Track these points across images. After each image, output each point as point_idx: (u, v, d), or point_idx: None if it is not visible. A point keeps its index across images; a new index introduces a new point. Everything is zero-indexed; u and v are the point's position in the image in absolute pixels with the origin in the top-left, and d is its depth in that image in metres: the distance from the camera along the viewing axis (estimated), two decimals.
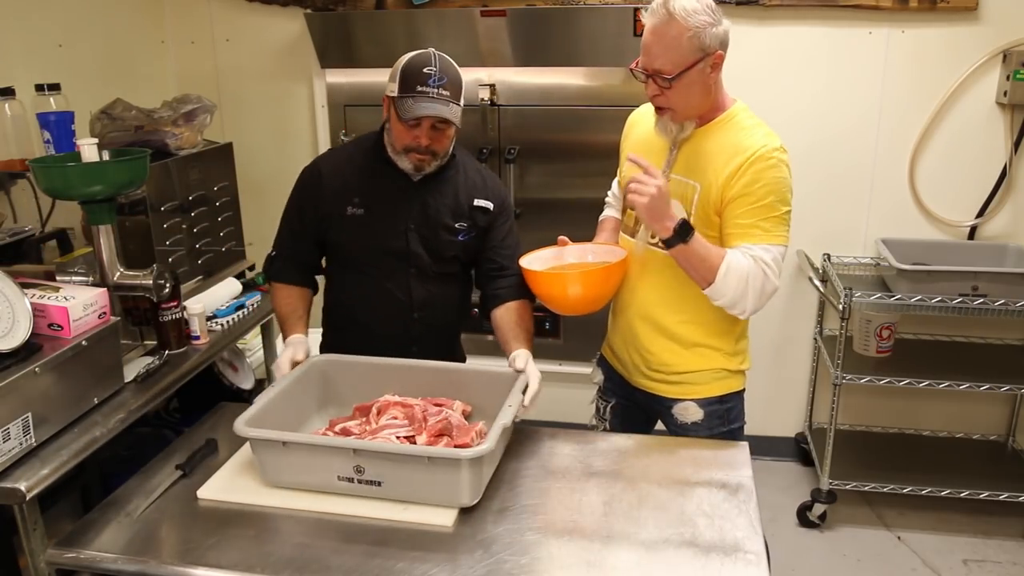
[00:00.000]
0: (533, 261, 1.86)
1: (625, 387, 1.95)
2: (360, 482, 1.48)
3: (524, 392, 1.68)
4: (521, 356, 1.78)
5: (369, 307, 1.93)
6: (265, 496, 1.52)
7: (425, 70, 1.73)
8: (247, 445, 1.62)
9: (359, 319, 1.95)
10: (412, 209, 1.87)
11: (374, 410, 1.69)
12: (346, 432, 1.63)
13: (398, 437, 1.58)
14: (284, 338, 1.91)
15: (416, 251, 1.88)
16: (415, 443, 1.57)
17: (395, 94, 1.75)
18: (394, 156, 1.84)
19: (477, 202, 1.91)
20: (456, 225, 1.89)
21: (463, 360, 2.12)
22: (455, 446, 1.54)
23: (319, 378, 1.80)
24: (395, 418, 1.65)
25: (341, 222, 1.87)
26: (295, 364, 1.79)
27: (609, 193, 2.07)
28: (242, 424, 1.51)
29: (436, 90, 1.73)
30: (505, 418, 1.54)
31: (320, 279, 2.04)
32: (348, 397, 1.77)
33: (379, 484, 1.47)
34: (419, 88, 1.72)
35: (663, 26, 1.59)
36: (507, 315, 1.89)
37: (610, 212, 2.04)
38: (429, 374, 1.79)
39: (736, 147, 1.66)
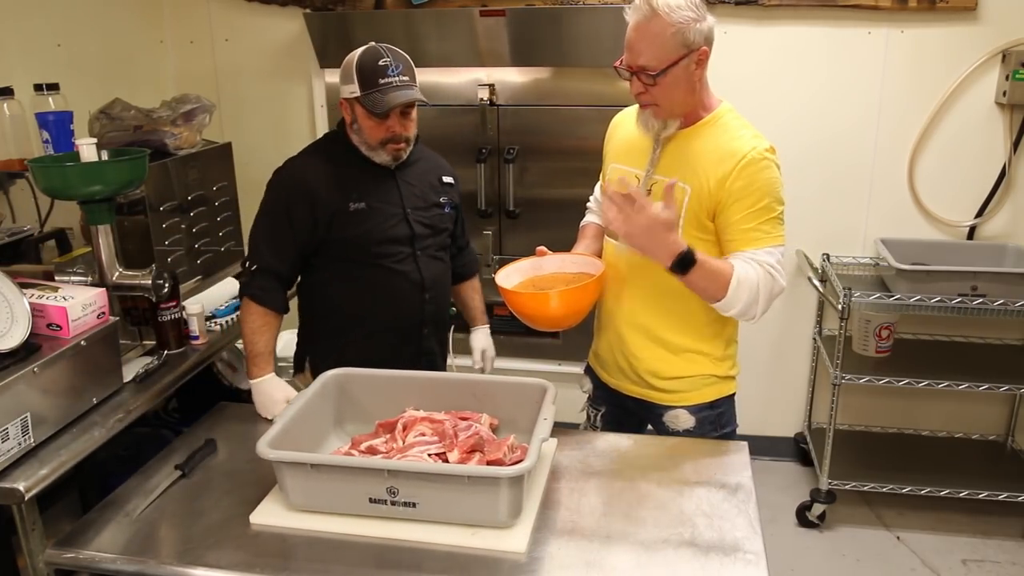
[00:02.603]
0: (511, 273, 1.82)
1: (614, 394, 1.94)
2: (393, 504, 1.42)
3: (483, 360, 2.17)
4: (483, 331, 2.21)
5: (382, 297, 1.93)
6: (323, 521, 1.45)
7: (381, 63, 1.80)
8: None
9: (370, 313, 1.93)
10: (404, 194, 1.94)
11: (399, 426, 1.62)
12: (372, 451, 1.56)
13: (430, 455, 1.52)
14: (252, 374, 1.87)
15: (420, 232, 1.94)
16: (447, 460, 1.51)
17: (358, 94, 1.81)
18: (369, 153, 1.90)
19: (444, 178, 2.04)
20: (440, 200, 2.00)
21: (448, 345, 2.16)
22: (487, 462, 1.50)
23: (335, 393, 1.72)
24: (423, 435, 1.58)
25: (346, 218, 1.87)
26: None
27: (591, 198, 2.04)
28: (265, 447, 1.43)
29: (398, 78, 1.80)
30: (543, 432, 1.47)
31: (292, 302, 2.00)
32: (365, 412, 1.71)
33: (413, 505, 1.41)
34: (381, 81, 1.79)
35: (646, 22, 1.58)
36: (469, 292, 2.23)
37: (591, 218, 2.01)
38: (450, 386, 1.73)
39: (726, 150, 1.64)
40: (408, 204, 1.93)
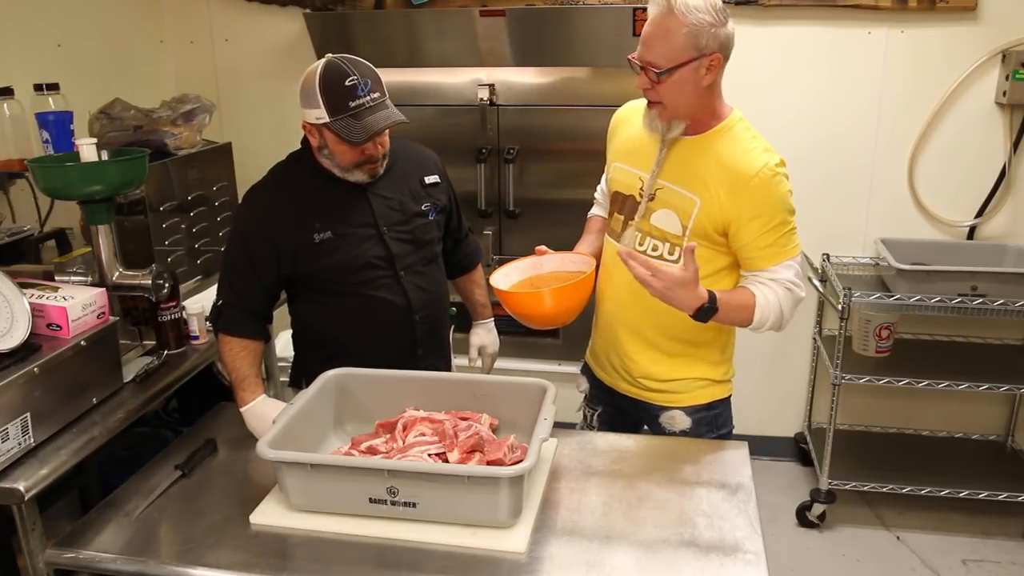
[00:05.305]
0: (510, 272, 1.82)
1: (610, 394, 1.93)
2: (393, 504, 1.42)
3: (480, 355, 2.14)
4: (484, 327, 2.15)
5: (367, 325, 1.82)
6: (323, 521, 1.44)
7: (348, 83, 1.61)
8: None
9: (358, 340, 1.82)
10: (378, 212, 1.79)
11: (400, 426, 1.61)
12: (372, 451, 1.56)
13: (430, 455, 1.52)
14: (242, 400, 1.76)
15: (399, 251, 1.80)
16: (447, 460, 1.50)
17: (327, 120, 1.63)
18: (343, 175, 1.75)
19: (427, 179, 1.88)
20: (422, 208, 1.85)
21: (449, 354, 2.06)
22: (487, 462, 1.49)
23: (335, 393, 1.71)
24: (423, 435, 1.57)
25: (312, 251, 1.75)
26: None
27: (598, 189, 2.02)
28: (265, 447, 1.42)
29: (369, 97, 1.63)
30: (543, 432, 1.46)
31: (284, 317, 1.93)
32: (365, 412, 1.70)
33: (413, 505, 1.41)
34: (352, 104, 1.62)
35: (661, 18, 1.56)
36: (468, 286, 2.14)
37: (597, 211, 2.01)
38: (450, 386, 1.71)
39: (737, 165, 1.62)
40: (383, 222, 1.78)
